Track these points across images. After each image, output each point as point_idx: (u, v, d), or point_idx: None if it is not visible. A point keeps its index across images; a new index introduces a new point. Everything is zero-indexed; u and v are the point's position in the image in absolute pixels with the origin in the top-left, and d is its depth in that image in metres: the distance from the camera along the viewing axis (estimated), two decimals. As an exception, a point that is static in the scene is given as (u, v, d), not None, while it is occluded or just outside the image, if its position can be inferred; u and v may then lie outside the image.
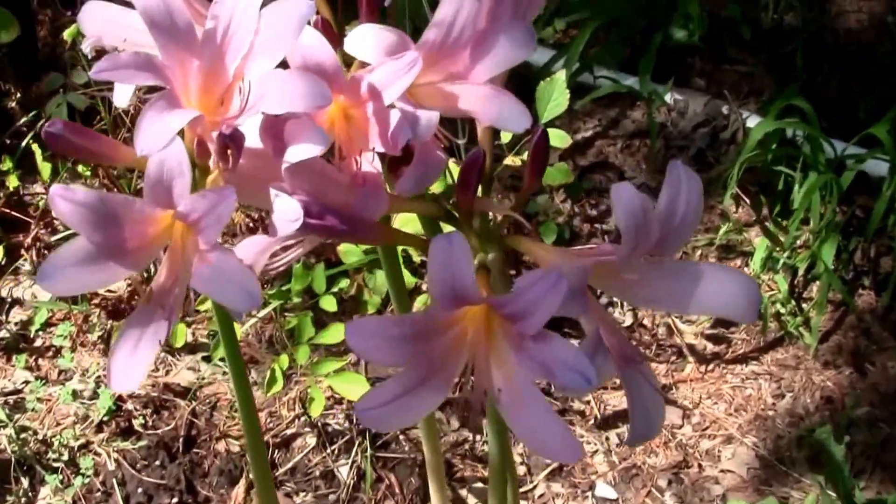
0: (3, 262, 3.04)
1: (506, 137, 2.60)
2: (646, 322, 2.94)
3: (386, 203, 1.23)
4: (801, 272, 2.98)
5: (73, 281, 1.25)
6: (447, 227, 1.35)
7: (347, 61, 1.32)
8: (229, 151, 1.17)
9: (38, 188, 3.17)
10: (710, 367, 2.89)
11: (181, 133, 1.20)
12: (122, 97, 1.26)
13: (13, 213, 3.08)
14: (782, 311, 2.93)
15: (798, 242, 2.99)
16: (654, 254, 1.18)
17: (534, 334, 1.09)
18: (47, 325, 2.95)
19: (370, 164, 1.25)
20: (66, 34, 2.91)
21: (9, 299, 3.02)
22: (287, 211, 1.15)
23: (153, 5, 1.21)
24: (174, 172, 1.19)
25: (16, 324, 2.96)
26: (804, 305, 2.95)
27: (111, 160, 1.30)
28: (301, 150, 1.17)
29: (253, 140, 1.22)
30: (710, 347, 2.92)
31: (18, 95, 3.25)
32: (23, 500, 2.62)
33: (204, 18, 1.25)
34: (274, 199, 1.17)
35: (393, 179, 1.25)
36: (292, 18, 1.21)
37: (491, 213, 1.30)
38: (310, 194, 1.17)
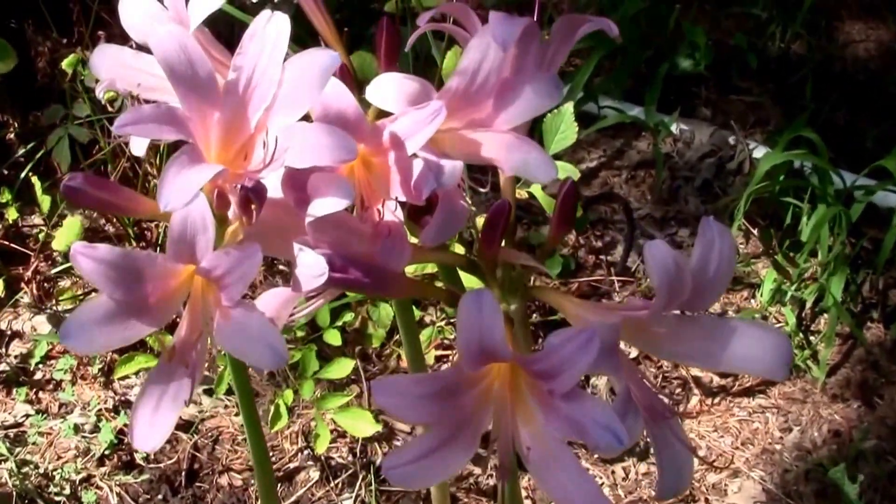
0: (2, 295, 3.01)
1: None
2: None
3: (409, 253, 1.21)
4: (809, 304, 2.97)
5: (96, 339, 1.23)
6: (466, 276, 1.34)
7: (364, 101, 1.30)
8: (252, 205, 1.15)
9: (37, 220, 3.15)
10: (717, 399, 2.87)
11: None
12: (139, 146, 1.23)
13: (12, 245, 3.06)
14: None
15: (806, 275, 2.97)
16: (685, 309, 1.16)
17: (565, 393, 1.07)
18: (47, 357, 2.92)
19: (392, 213, 1.22)
20: (65, 64, 2.89)
21: (8, 332, 2.99)
22: (312, 265, 1.13)
23: (173, 55, 1.18)
24: (198, 228, 1.16)
25: (15, 357, 2.93)
26: (812, 338, 2.93)
27: (133, 213, 1.29)
28: (326, 204, 1.14)
29: (274, 190, 1.20)
30: (717, 380, 2.90)
31: (16, 126, 3.23)
32: (24, 535, 2.60)
33: (225, 68, 1.23)
34: (297, 253, 1.15)
35: (415, 228, 1.23)
36: (316, 71, 1.18)
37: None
38: (332, 246, 1.15)
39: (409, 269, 2.29)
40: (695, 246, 1.14)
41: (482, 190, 1.28)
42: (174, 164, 1.12)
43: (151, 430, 1.27)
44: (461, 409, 1.12)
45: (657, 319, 1.14)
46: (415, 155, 1.20)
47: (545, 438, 1.11)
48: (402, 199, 1.21)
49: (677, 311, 1.16)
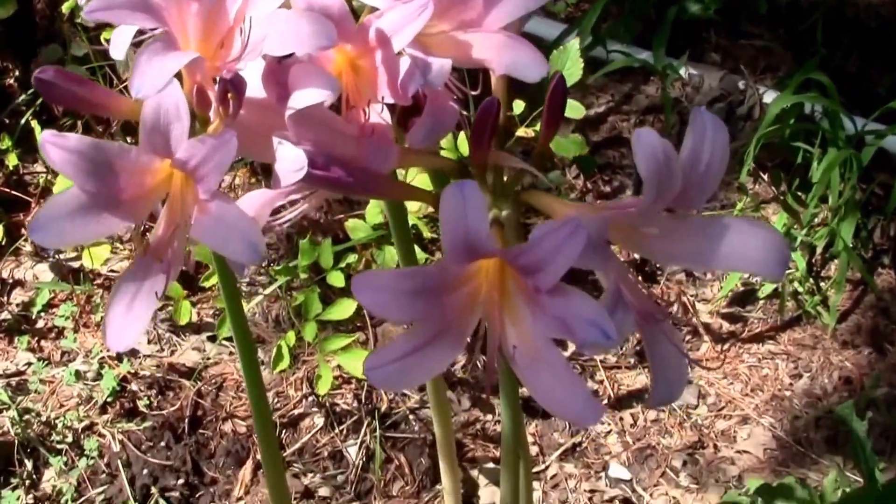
0: (3, 243, 2.99)
1: (518, 108, 2.55)
2: (660, 301, 2.88)
3: (395, 156, 1.17)
4: (819, 250, 2.93)
5: (67, 232, 1.20)
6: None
7: (356, 12, 1.26)
8: (230, 97, 1.11)
9: (37, 167, 3.12)
10: (727, 346, 2.83)
11: (180, 80, 1.14)
12: (118, 48, 1.19)
13: (13, 192, 3.03)
14: (800, 289, 2.88)
15: (816, 220, 2.93)
16: (676, 207, 1.12)
17: (550, 289, 1.03)
18: (49, 306, 2.90)
19: (379, 115, 1.19)
20: (65, 7, 2.87)
21: (10, 280, 2.97)
22: (290, 159, 1.09)
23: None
24: (171, 116, 1.13)
25: (17, 305, 2.91)
26: (822, 284, 2.89)
27: (106, 110, 1.24)
28: (307, 96, 1.11)
29: (256, 90, 1.16)
30: (727, 326, 2.87)
31: (17, 73, 3.19)
32: (27, 482, 2.57)
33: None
34: (277, 147, 1.11)
35: (403, 133, 1.19)
36: (298, -40, 1.15)
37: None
38: (315, 145, 1.12)
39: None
40: (685, 136, 1.10)
41: (473, 93, 1.24)
42: (147, 51, 1.09)
43: (125, 328, 1.25)
44: (447, 309, 1.08)
45: (648, 217, 1.09)
46: (402, 53, 1.17)
47: (532, 338, 1.08)
48: (389, 100, 1.18)
49: (669, 211, 1.12)
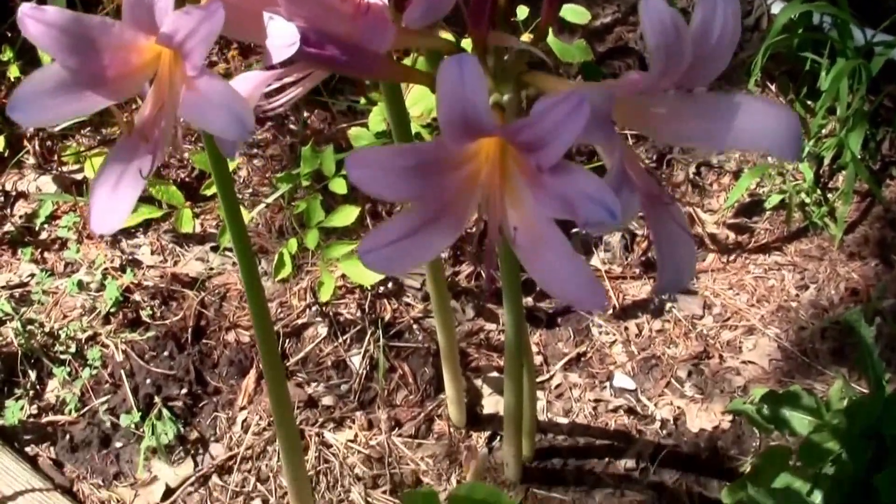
0: (5, 155, 2.96)
1: (522, 13, 2.51)
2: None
3: (391, 35, 1.14)
4: (827, 161, 2.90)
5: (48, 109, 1.17)
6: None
7: None
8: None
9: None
10: (732, 257, 2.81)
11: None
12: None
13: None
14: (807, 200, 2.85)
15: (824, 131, 2.90)
16: (685, 83, 1.08)
17: (552, 167, 1.00)
18: (52, 217, 2.88)
19: (375, -7, 1.15)
20: None
21: (13, 192, 2.95)
22: (282, 35, 1.06)
23: None
24: None
25: (20, 217, 2.89)
26: (830, 195, 2.87)
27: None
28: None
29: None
30: (733, 237, 2.85)
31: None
32: (30, 393, 2.57)
33: None
34: (268, 22, 1.08)
35: (399, 14, 1.15)
36: None
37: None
38: (308, 22, 1.08)
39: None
40: (696, 7, 1.06)
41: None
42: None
43: (111, 210, 1.22)
44: (444, 189, 1.06)
45: (655, 96, 1.06)
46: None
47: (534, 219, 1.05)
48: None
49: (676, 89, 1.09)
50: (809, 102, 2.92)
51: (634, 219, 1.13)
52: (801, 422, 2.06)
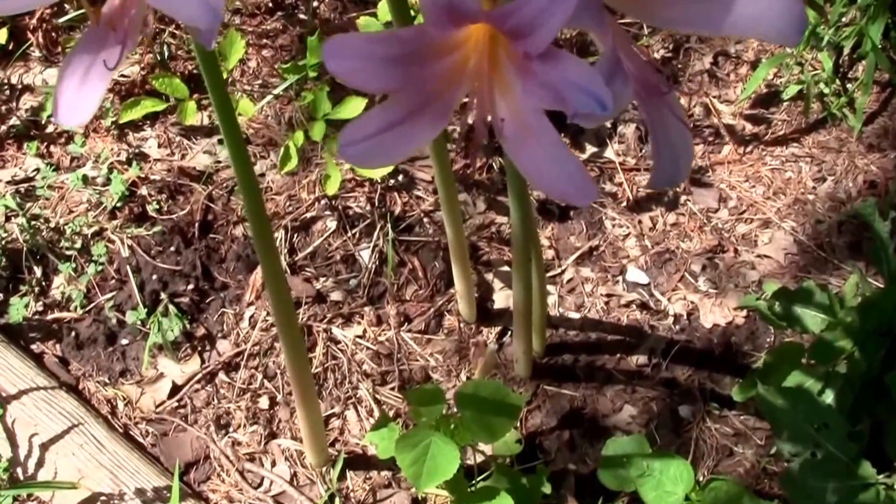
0: (10, 48, 2.92)
1: None
2: (681, 101, 2.80)
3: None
4: (846, 51, 2.83)
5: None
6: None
7: None
8: None
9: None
10: (749, 148, 2.76)
11: None
12: None
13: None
14: (826, 91, 2.79)
15: (844, 19, 2.82)
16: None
17: (541, 54, 0.95)
18: (58, 110, 2.83)
19: None
20: None
21: (19, 86, 2.91)
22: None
23: None
24: None
25: (26, 111, 2.85)
26: (849, 86, 2.80)
27: None
28: None
29: None
30: (749, 128, 2.79)
31: None
32: (36, 289, 2.55)
33: None
34: None
35: None
36: None
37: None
38: None
39: None
40: None
41: None
42: None
43: (78, 103, 1.18)
44: (430, 79, 1.01)
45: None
46: None
47: (522, 109, 1.00)
48: None
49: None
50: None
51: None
52: (813, 319, 2.03)
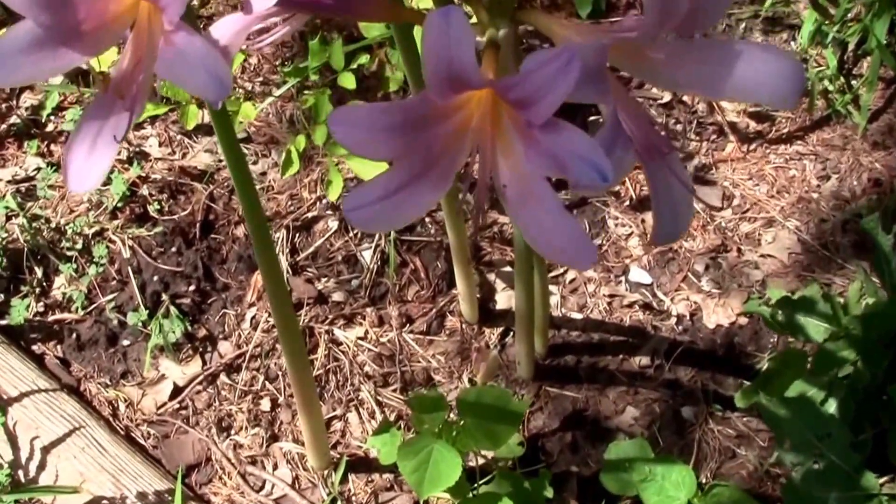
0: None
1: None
2: (685, 98, 2.79)
3: (383, -31, 1.07)
4: (851, 47, 2.81)
5: (22, 69, 1.12)
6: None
7: None
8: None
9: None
10: (753, 146, 2.75)
11: None
12: None
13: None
14: (830, 87, 2.77)
15: (849, 15, 2.80)
16: (684, 29, 1.02)
17: (544, 123, 0.95)
18: (59, 109, 2.83)
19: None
20: None
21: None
22: (261, -16, 1.00)
23: None
24: None
25: (27, 109, 2.84)
26: (854, 82, 2.79)
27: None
28: None
29: None
30: (753, 126, 2.78)
31: None
32: (37, 290, 2.55)
33: None
34: (246, -30, 1.01)
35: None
36: None
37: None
38: (292, -38, 1.02)
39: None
40: (694, -48, 0.99)
41: None
42: None
43: (87, 170, 1.18)
44: (433, 143, 1.00)
45: (653, 41, 1.00)
46: None
47: (524, 174, 0.99)
48: None
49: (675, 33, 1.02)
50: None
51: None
52: (816, 328, 2.03)
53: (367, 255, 2.56)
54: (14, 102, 2.84)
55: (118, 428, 2.39)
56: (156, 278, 2.53)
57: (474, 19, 1.11)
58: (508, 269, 2.53)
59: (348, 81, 2.52)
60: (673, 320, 2.48)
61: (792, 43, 2.86)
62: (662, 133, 1.04)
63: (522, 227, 1.01)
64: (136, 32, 1.16)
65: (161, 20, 1.09)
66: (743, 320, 2.46)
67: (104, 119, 1.17)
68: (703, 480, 2.26)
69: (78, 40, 1.12)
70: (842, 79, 2.77)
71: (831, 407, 1.98)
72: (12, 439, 2.35)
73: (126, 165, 2.68)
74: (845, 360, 1.97)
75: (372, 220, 1.02)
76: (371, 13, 1.20)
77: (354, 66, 2.55)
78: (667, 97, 2.77)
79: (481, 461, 2.16)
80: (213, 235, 2.60)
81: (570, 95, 0.91)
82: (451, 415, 2.10)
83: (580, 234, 1.00)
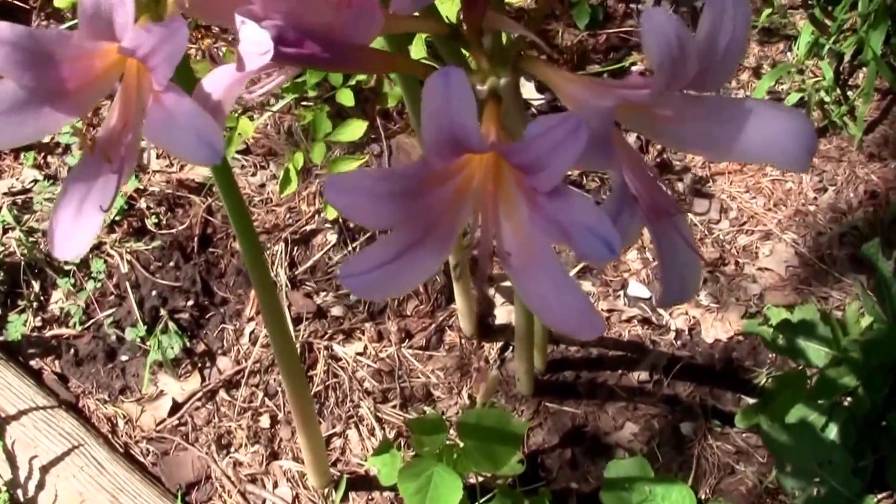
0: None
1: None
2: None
3: (380, 22, 1.05)
4: (847, 58, 2.81)
5: (4, 132, 1.08)
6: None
7: None
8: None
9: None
10: (750, 158, 2.73)
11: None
12: None
13: (13, 1, 2.91)
14: (826, 99, 2.77)
15: (845, 27, 2.79)
16: (692, 88, 1.01)
17: (549, 191, 0.93)
18: (55, 119, 2.81)
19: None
20: None
21: (15, 92, 2.88)
22: (255, 41, 0.97)
23: None
24: (113, 2, 1.01)
25: (23, 118, 2.82)
26: (850, 94, 2.78)
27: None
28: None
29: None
30: (751, 138, 2.76)
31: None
32: (34, 305, 2.54)
33: None
34: (240, 26, 0.99)
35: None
36: None
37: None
38: (286, 17, 1.00)
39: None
40: (702, 15, 0.97)
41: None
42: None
43: (73, 235, 1.15)
44: (432, 208, 0.98)
45: (660, 99, 0.98)
46: None
47: (528, 242, 0.97)
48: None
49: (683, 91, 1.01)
50: (830, 7, 2.81)
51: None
52: (817, 353, 2.03)
53: (365, 270, 2.54)
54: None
55: (117, 445, 2.39)
56: (154, 293, 2.52)
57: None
58: (508, 283, 2.53)
59: (346, 98, 2.51)
60: (672, 335, 2.48)
61: (788, 54, 2.85)
62: (669, 194, 1.03)
63: (524, 294, 0.99)
64: (123, 89, 1.13)
65: (149, 78, 1.06)
66: (741, 335, 2.46)
67: (91, 182, 1.14)
68: (703, 496, 2.27)
69: (63, 100, 1.09)
70: (838, 90, 2.77)
71: (832, 432, 1.98)
72: (11, 459, 2.34)
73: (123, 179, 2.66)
74: (846, 387, 1.97)
75: (371, 288, 1.00)
76: (366, 66, 1.18)
77: (353, 82, 2.54)
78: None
79: (481, 479, 2.15)
80: (211, 249, 2.59)
81: (576, 163, 0.90)
82: (451, 431, 2.10)
83: (585, 304, 0.97)
